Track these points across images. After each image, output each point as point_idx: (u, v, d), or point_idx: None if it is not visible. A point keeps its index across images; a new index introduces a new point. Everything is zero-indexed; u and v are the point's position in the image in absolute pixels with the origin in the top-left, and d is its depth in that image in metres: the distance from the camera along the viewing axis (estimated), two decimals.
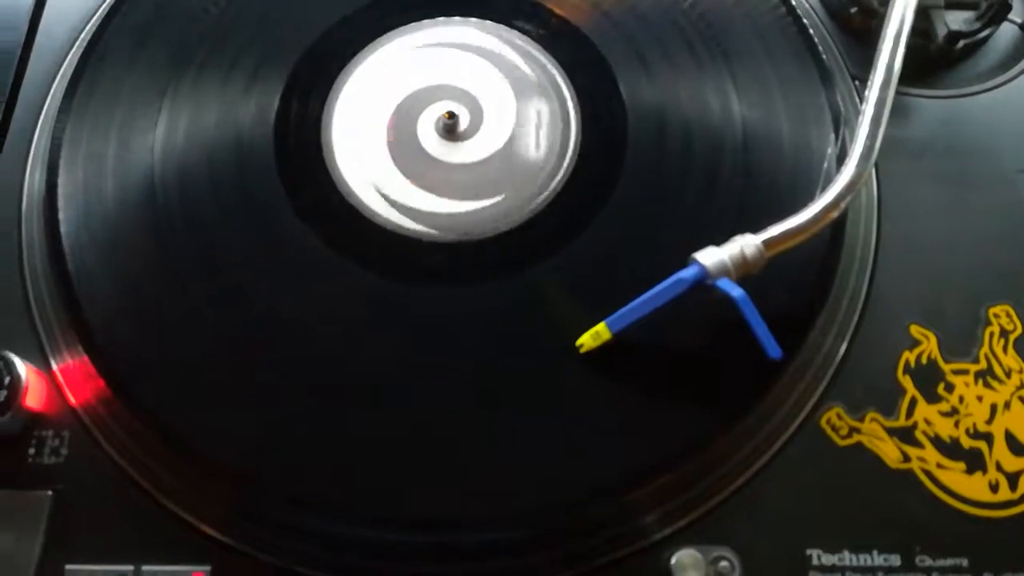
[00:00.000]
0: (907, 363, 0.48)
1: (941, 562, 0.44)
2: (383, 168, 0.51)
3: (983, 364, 0.49)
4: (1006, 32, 0.57)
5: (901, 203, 0.52)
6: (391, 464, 0.44)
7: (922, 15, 0.53)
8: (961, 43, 0.54)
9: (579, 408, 0.45)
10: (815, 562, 0.44)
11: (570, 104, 0.52)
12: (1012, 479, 0.46)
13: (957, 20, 0.54)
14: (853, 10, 0.56)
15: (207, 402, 0.44)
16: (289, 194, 0.49)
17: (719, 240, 0.45)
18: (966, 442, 0.47)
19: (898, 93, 0.49)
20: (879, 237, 0.51)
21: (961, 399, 0.48)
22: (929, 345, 0.49)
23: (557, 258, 0.48)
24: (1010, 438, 0.47)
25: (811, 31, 0.54)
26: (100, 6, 0.58)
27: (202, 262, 0.47)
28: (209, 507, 0.44)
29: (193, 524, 0.44)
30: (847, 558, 0.44)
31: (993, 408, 0.48)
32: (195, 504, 0.44)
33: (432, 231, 0.49)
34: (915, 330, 0.49)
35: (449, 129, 0.51)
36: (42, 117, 0.54)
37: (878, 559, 0.44)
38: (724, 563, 0.43)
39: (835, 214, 0.46)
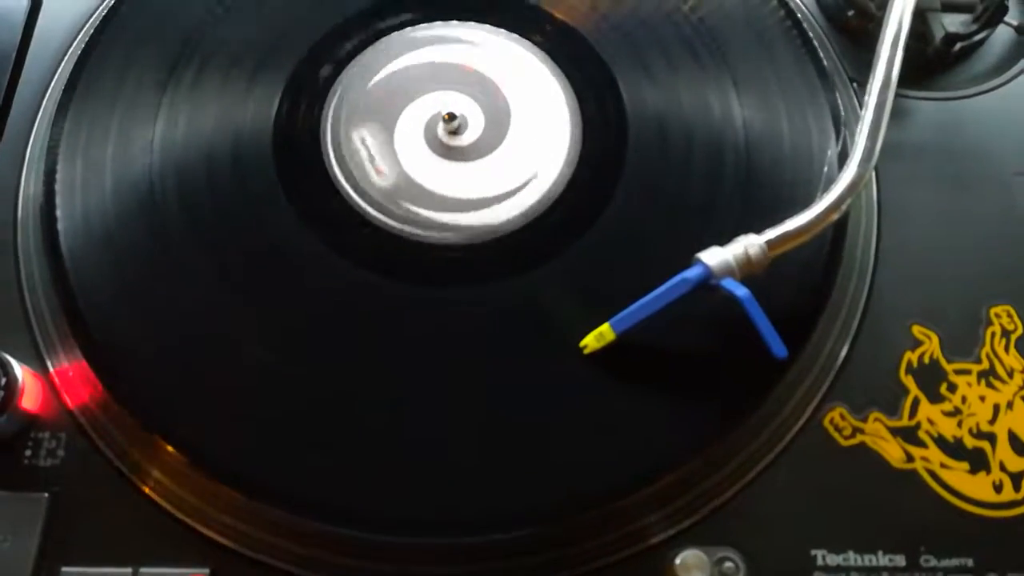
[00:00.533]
0: (909, 363, 0.48)
1: (946, 562, 0.44)
2: (385, 168, 0.50)
3: (985, 364, 0.49)
4: (1002, 35, 0.57)
5: (901, 205, 0.52)
6: (391, 465, 0.43)
7: (919, 18, 0.54)
8: (958, 45, 0.55)
9: (582, 408, 0.45)
10: (820, 562, 0.44)
11: (571, 107, 0.52)
12: (1016, 479, 0.46)
13: (954, 22, 0.54)
14: (850, 13, 0.56)
15: (205, 403, 0.44)
16: (288, 195, 0.49)
17: (722, 241, 0.45)
18: (969, 442, 0.47)
19: (896, 95, 0.49)
20: (879, 238, 0.51)
21: (964, 399, 0.48)
22: (931, 345, 0.49)
23: (560, 259, 0.47)
24: (1013, 438, 0.47)
25: (810, 34, 0.54)
26: (98, 7, 0.57)
27: (201, 263, 0.47)
28: (208, 509, 0.43)
29: (192, 526, 0.43)
30: (852, 558, 0.44)
31: (996, 408, 0.48)
32: (194, 506, 0.44)
33: (433, 233, 0.49)
34: (917, 330, 0.49)
35: (450, 131, 0.51)
36: (38, 120, 0.54)
37: (883, 559, 0.44)
38: (728, 564, 0.43)
39: (837, 215, 0.46)
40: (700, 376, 0.46)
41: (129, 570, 0.42)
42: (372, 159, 0.48)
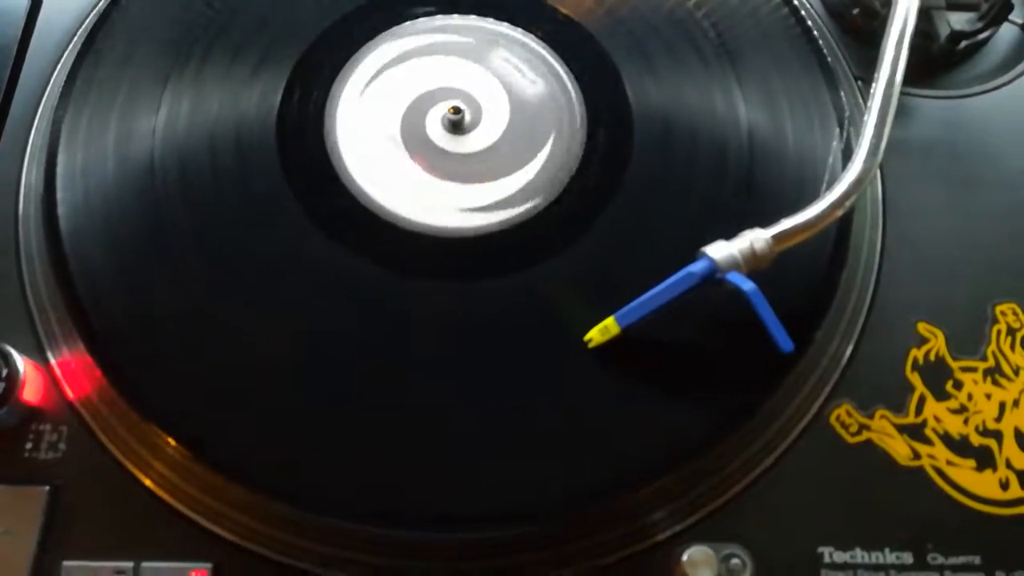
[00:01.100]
0: (915, 360, 0.48)
1: (953, 559, 0.44)
2: (386, 160, 0.50)
3: (991, 362, 0.49)
4: (1006, 33, 0.57)
5: (906, 202, 0.52)
6: (395, 460, 0.43)
7: (924, 15, 0.54)
8: (963, 43, 0.55)
9: (586, 404, 0.44)
10: (827, 560, 0.44)
11: (576, 102, 0.52)
12: (1022, 476, 0.46)
13: (959, 20, 0.54)
14: (855, 11, 0.56)
15: (208, 396, 0.44)
16: (291, 184, 0.48)
17: (727, 236, 0.45)
18: (975, 439, 0.47)
19: (900, 93, 0.49)
20: (885, 236, 0.51)
21: (970, 396, 0.48)
22: (937, 342, 0.49)
23: (566, 254, 0.47)
24: (1019, 436, 0.47)
25: (814, 31, 0.54)
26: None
27: (203, 252, 0.47)
28: (211, 503, 0.43)
29: (194, 520, 0.43)
30: (859, 555, 0.44)
31: (1002, 406, 0.48)
32: (197, 500, 0.43)
33: (435, 224, 0.48)
34: (923, 327, 0.49)
35: (454, 125, 0.51)
36: (39, 111, 0.54)
37: (890, 556, 0.44)
38: (735, 560, 0.43)
39: (842, 210, 0.46)
40: (706, 371, 0.45)
41: (131, 564, 0.42)
42: None
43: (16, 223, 0.50)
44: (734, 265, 0.44)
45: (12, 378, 0.43)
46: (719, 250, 0.44)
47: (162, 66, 0.51)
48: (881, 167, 0.49)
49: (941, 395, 0.48)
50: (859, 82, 0.55)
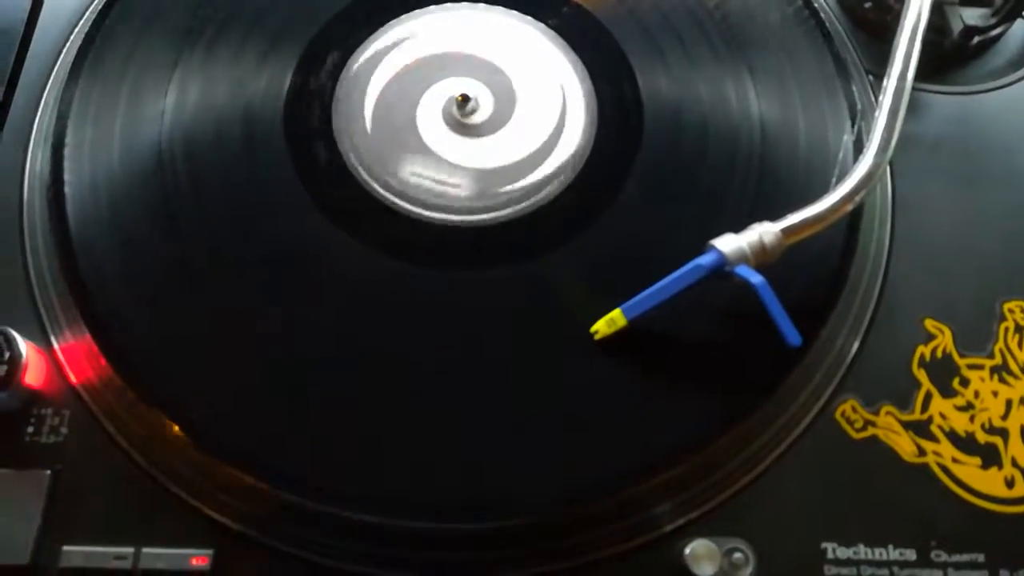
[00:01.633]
0: (922, 357, 0.48)
1: (957, 557, 0.44)
2: (393, 147, 0.50)
3: (998, 359, 0.48)
4: (1019, 30, 0.57)
5: (915, 198, 0.52)
6: (398, 451, 0.43)
7: (937, 11, 0.53)
8: (976, 39, 0.54)
9: (591, 396, 0.44)
10: (830, 555, 0.44)
11: (587, 92, 0.52)
12: None
13: (972, 16, 0.54)
14: (867, 4, 0.56)
15: (212, 381, 0.43)
16: (298, 170, 0.48)
17: (736, 229, 0.44)
18: (981, 437, 0.47)
19: (912, 89, 0.48)
20: (893, 232, 0.51)
21: (976, 394, 0.47)
22: (944, 339, 0.48)
23: (573, 244, 0.47)
24: None
25: (827, 25, 0.54)
26: None
27: (209, 237, 0.46)
28: (213, 489, 0.43)
29: (196, 507, 0.43)
30: (862, 552, 0.44)
31: (1008, 404, 0.47)
32: (199, 486, 0.43)
33: (442, 214, 0.48)
34: (930, 324, 0.49)
35: (462, 112, 0.51)
36: (45, 95, 0.53)
37: (893, 553, 0.44)
38: (738, 555, 0.43)
39: (852, 205, 0.45)
40: (711, 365, 0.45)
41: (131, 550, 0.42)
42: None
43: (21, 208, 0.50)
44: (743, 258, 0.43)
45: (14, 361, 0.43)
46: (728, 243, 0.44)
47: (171, 50, 0.50)
48: (891, 162, 0.49)
49: (947, 392, 0.47)
50: (871, 77, 0.55)
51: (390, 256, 0.47)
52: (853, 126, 0.51)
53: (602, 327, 0.44)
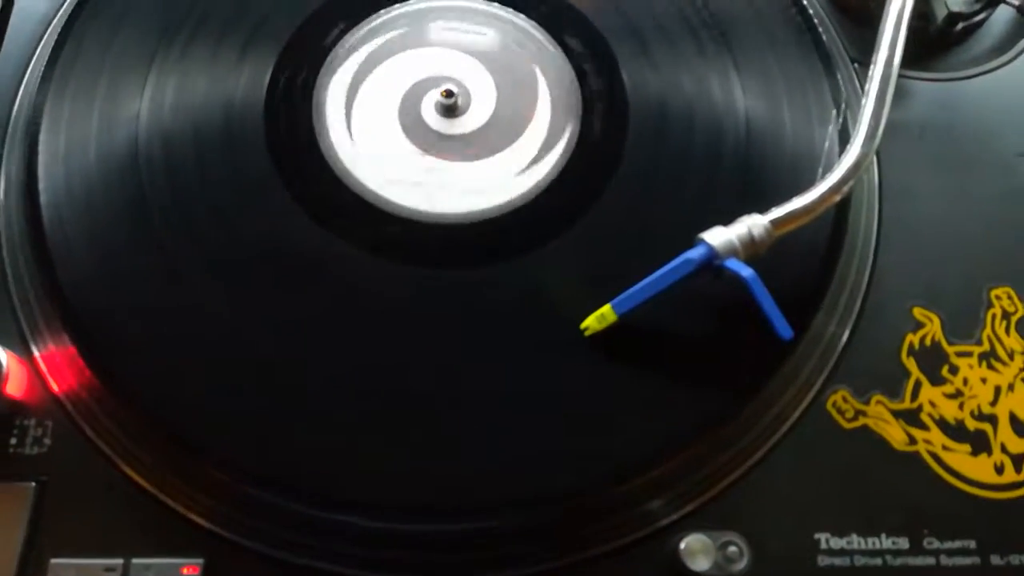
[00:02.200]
0: (911, 345, 0.48)
1: (948, 544, 0.44)
2: (377, 143, 0.49)
3: (986, 346, 0.48)
4: (1001, 15, 0.57)
5: (902, 186, 0.52)
6: (390, 450, 0.42)
7: None
8: (960, 25, 0.54)
9: (582, 392, 0.44)
10: (823, 546, 0.44)
11: (571, 87, 0.51)
12: (1017, 460, 0.46)
13: (956, 2, 0.53)
14: None
15: (197, 387, 0.43)
16: (278, 168, 0.47)
17: (725, 222, 0.44)
18: (971, 424, 0.47)
19: (897, 76, 0.48)
20: (881, 220, 0.51)
21: (965, 381, 0.48)
22: (932, 327, 0.49)
23: (561, 241, 0.46)
24: (1014, 420, 0.47)
25: (811, 12, 0.54)
26: None
27: (189, 239, 0.45)
28: (201, 497, 0.42)
29: (185, 515, 0.42)
30: (855, 541, 0.44)
31: (997, 390, 0.48)
32: (187, 494, 0.42)
33: (427, 210, 0.47)
34: (918, 312, 0.49)
35: (447, 109, 0.50)
36: (19, 97, 0.52)
37: (886, 542, 0.44)
38: (733, 548, 0.43)
39: (841, 195, 0.45)
40: (702, 359, 0.45)
41: (120, 561, 0.41)
42: None
43: None
44: (732, 251, 0.43)
45: None
46: (717, 236, 0.43)
47: (146, 48, 0.49)
48: (877, 150, 0.49)
49: (936, 380, 0.47)
50: (855, 65, 0.55)
51: (375, 254, 0.46)
52: (838, 115, 0.50)
53: (592, 323, 0.44)
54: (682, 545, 0.42)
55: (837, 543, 0.44)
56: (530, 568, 0.43)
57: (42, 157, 0.47)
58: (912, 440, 0.46)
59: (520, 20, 0.53)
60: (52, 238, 0.45)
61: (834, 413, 0.46)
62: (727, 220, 0.44)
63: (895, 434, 0.46)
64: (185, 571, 0.41)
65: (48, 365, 0.45)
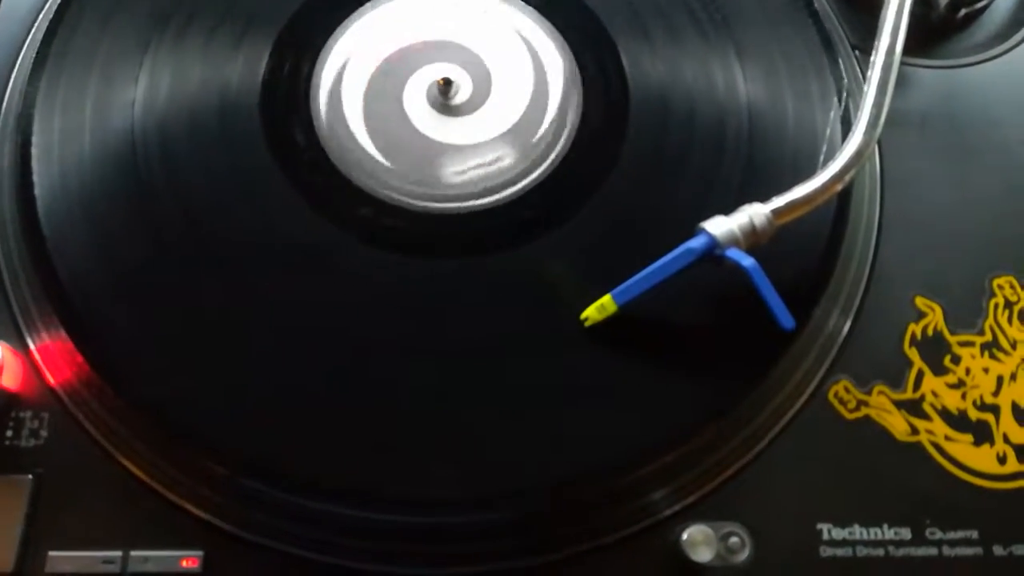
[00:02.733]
0: (913, 335, 0.48)
1: (951, 535, 0.44)
2: (375, 130, 0.49)
3: (988, 336, 0.48)
4: (1004, 2, 0.56)
5: (903, 175, 0.51)
6: (388, 444, 0.42)
7: None
8: (962, 11, 0.54)
9: (582, 383, 0.43)
10: (825, 536, 0.44)
11: (571, 74, 0.50)
12: (1019, 450, 0.46)
13: None
14: None
15: (195, 378, 0.42)
16: (275, 157, 0.47)
17: (726, 211, 0.44)
18: (973, 414, 0.47)
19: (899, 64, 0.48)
20: (882, 209, 0.51)
21: (968, 371, 0.47)
22: (935, 317, 0.48)
23: (561, 229, 0.46)
24: (1016, 410, 0.47)
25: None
26: None
27: (186, 229, 0.45)
28: (201, 489, 0.42)
29: (184, 507, 0.42)
30: (857, 532, 0.44)
31: (999, 380, 0.47)
32: (186, 486, 0.42)
33: (426, 201, 0.47)
34: (920, 302, 0.49)
35: (444, 96, 0.49)
36: (10, 86, 0.51)
37: (888, 532, 0.44)
38: (734, 539, 0.42)
39: (843, 184, 0.45)
40: (703, 349, 0.45)
41: (119, 553, 0.41)
42: None
43: None
44: (733, 241, 0.43)
45: None
46: (718, 225, 0.43)
47: (141, 35, 0.49)
48: (879, 138, 0.48)
49: (939, 370, 0.47)
50: (857, 52, 0.54)
51: (373, 244, 0.46)
52: (840, 103, 0.50)
53: (592, 313, 0.43)
54: (684, 536, 0.42)
55: (839, 534, 0.44)
56: (530, 560, 0.43)
57: (35, 149, 0.46)
58: (914, 430, 0.46)
59: (519, 4, 0.52)
60: (47, 229, 0.44)
61: (836, 403, 0.46)
62: (728, 209, 0.44)
63: (897, 424, 0.46)
64: (184, 563, 0.41)
65: (44, 357, 0.45)
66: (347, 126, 0.49)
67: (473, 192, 0.47)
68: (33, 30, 0.53)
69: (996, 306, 0.49)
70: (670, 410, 0.43)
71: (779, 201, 0.44)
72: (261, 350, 0.43)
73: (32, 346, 0.45)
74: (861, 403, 0.46)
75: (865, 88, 0.47)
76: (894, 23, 0.48)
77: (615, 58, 0.50)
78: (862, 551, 0.43)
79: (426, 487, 0.41)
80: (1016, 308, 0.49)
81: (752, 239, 0.43)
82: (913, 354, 0.47)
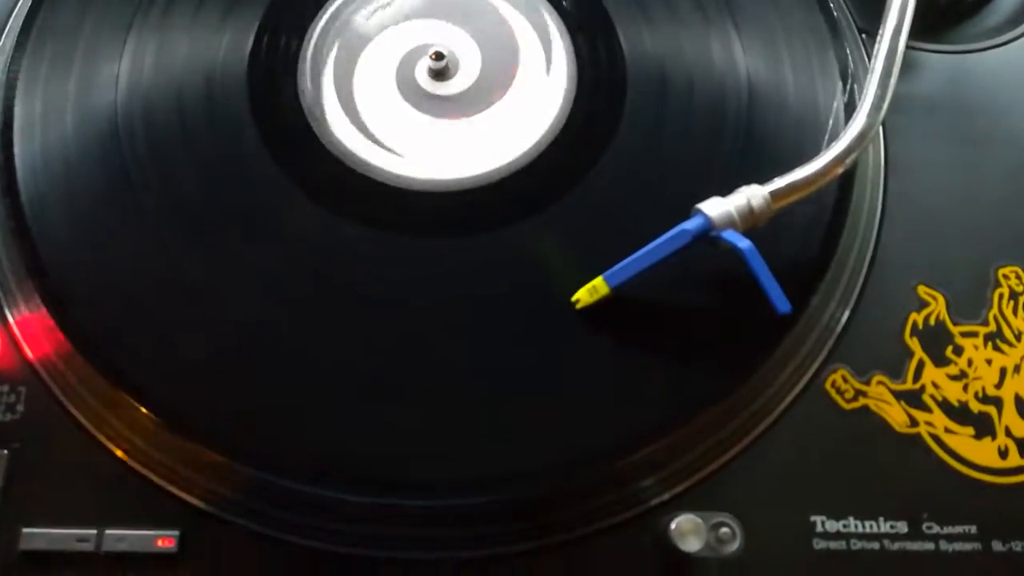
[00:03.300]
0: (915, 324, 0.47)
1: (949, 529, 0.43)
2: (360, 109, 0.48)
3: (992, 326, 0.47)
4: None
5: (908, 161, 0.50)
6: (374, 427, 0.41)
7: None
8: None
9: (572, 367, 0.43)
10: (819, 529, 0.42)
11: (567, 51, 0.49)
12: (1021, 444, 0.45)
13: None
14: None
15: (175, 355, 0.42)
16: (261, 134, 0.46)
17: (723, 193, 0.43)
18: (975, 406, 0.45)
19: (906, 47, 0.47)
20: (886, 195, 0.49)
21: (970, 362, 0.46)
22: (937, 306, 0.47)
23: (553, 209, 0.45)
24: (1019, 403, 0.46)
25: None
26: None
27: (169, 204, 0.44)
28: (178, 467, 0.41)
29: (161, 486, 0.41)
30: (852, 525, 0.43)
31: (1003, 372, 0.46)
32: (163, 465, 0.41)
33: (414, 177, 0.46)
34: (923, 291, 0.47)
35: (437, 73, 0.48)
36: None
37: (884, 526, 0.43)
38: (725, 530, 0.41)
39: (844, 167, 0.44)
40: (697, 334, 0.44)
41: (94, 531, 0.40)
42: None
43: None
44: (730, 222, 0.42)
45: None
46: (714, 207, 0.42)
47: (124, 11, 0.48)
48: (884, 123, 0.47)
49: (940, 361, 0.46)
50: (863, 35, 0.53)
51: (361, 222, 0.45)
52: (844, 86, 0.49)
53: (584, 296, 0.42)
54: (673, 525, 0.41)
55: (833, 526, 0.43)
56: (519, 546, 0.42)
57: (17, 124, 0.45)
58: (913, 422, 0.45)
59: None
60: (28, 204, 0.44)
61: (833, 393, 0.45)
62: (727, 191, 0.43)
63: (896, 415, 0.45)
64: (160, 543, 0.40)
65: (22, 331, 0.44)
66: (335, 101, 0.48)
67: (464, 172, 0.46)
68: (16, 9, 0.52)
69: (1001, 296, 0.48)
70: (661, 397, 0.42)
71: (778, 183, 0.43)
72: (244, 329, 0.42)
73: (11, 319, 0.44)
74: (859, 393, 0.45)
75: (870, 71, 0.46)
76: (901, 6, 0.47)
77: (612, 34, 0.49)
78: (856, 544, 0.42)
79: (411, 471, 0.41)
80: (1021, 299, 0.48)
81: (749, 221, 0.42)
82: (914, 344, 0.46)
